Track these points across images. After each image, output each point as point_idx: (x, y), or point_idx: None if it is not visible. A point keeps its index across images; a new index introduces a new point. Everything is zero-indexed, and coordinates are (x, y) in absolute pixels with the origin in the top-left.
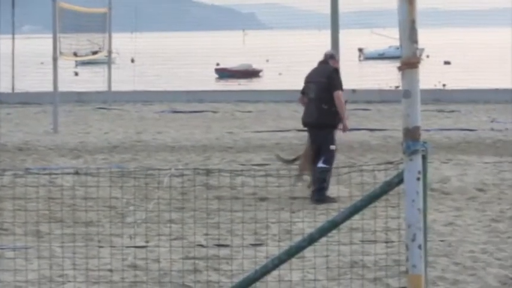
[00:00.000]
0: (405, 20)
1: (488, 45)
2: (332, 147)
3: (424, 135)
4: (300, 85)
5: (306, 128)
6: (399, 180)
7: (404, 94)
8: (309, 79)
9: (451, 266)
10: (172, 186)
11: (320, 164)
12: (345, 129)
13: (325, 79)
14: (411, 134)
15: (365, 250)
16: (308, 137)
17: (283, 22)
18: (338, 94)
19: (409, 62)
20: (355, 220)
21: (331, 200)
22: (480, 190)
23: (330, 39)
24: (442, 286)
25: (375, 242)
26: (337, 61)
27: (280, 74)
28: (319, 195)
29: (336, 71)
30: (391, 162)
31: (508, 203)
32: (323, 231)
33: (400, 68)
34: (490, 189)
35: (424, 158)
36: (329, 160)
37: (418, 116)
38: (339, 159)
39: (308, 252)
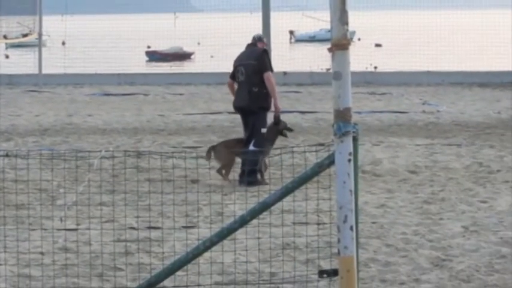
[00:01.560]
0: (336, 2)
1: (419, 28)
2: (263, 130)
3: (355, 118)
4: (231, 67)
5: (237, 112)
6: (330, 161)
7: (335, 76)
8: (238, 62)
9: (383, 247)
10: (103, 169)
11: (251, 147)
12: (277, 111)
13: (254, 61)
14: (342, 116)
15: (297, 232)
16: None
17: (214, 5)
18: (268, 75)
19: (340, 44)
20: (287, 202)
21: (263, 182)
22: (412, 172)
23: (261, 21)
24: (374, 268)
25: (306, 223)
26: (265, 44)
27: (212, 56)
28: (251, 177)
29: (265, 53)
30: (322, 144)
31: (439, 185)
32: (254, 213)
33: (330, 50)
34: (421, 171)
35: (355, 139)
36: (259, 143)
37: (349, 97)
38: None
39: (240, 234)
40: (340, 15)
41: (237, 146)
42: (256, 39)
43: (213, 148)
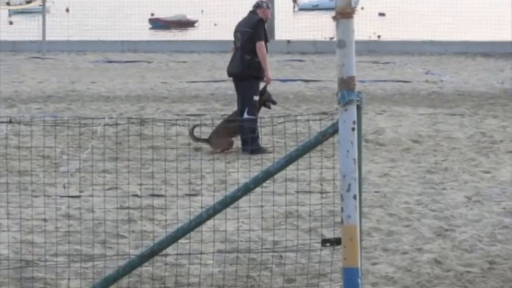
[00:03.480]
0: None
1: None
2: (255, 97)
3: (358, 87)
4: (230, 36)
5: (230, 78)
6: (334, 130)
7: (339, 44)
8: (237, 28)
9: (386, 217)
10: (106, 136)
11: (245, 115)
12: (267, 81)
13: (249, 28)
14: (346, 84)
15: (300, 201)
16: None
17: None
18: (260, 44)
19: (344, 12)
20: (290, 170)
21: (265, 150)
22: (415, 141)
23: None
24: (376, 237)
25: (309, 192)
26: (265, 10)
27: (215, 24)
28: (253, 145)
29: (261, 21)
30: (325, 113)
31: (442, 155)
32: (258, 181)
33: (334, 18)
34: (424, 140)
35: (358, 108)
36: (252, 110)
37: (353, 66)
38: (275, 109)
39: (243, 203)
40: None
41: (226, 129)
42: (255, 6)
43: (207, 141)
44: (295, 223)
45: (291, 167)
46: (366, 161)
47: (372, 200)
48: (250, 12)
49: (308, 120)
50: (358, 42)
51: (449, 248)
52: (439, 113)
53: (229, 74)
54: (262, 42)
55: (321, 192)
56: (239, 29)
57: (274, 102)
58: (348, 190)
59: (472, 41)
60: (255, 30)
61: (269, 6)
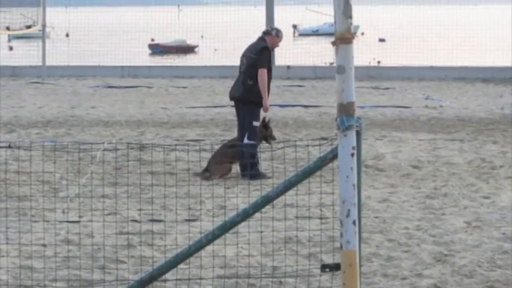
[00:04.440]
0: None
1: (423, 23)
2: (255, 123)
3: (358, 112)
4: (234, 61)
5: (232, 102)
6: (333, 155)
7: (339, 69)
8: (243, 53)
9: (386, 242)
10: (105, 161)
11: (245, 141)
12: (265, 110)
13: (254, 54)
14: (345, 110)
15: (299, 226)
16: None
17: None
18: (261, 71)
19: (343, 37)
20: (290, 196)
21: (264, 175)
22: (415, 167)
23: (265, 15)
24: (376, 262)
25: (309, 218)
26: (274, 38)
27: (215, 50)
28: (253, 170)
29: (265, 49)
30: (325, 138)
31: (442, 180)
32: (257, 207)
33: (334, 43)
34: (424, 166)
35: (358, 133)
36: (252, 135)
37: (353, 91)
38: (275, 134)
39: (242, 228)
40: (344, 8)
41: (225, 155)
42: (264, 33)
43: (206, 170)
44: (294, 248)
45: (291, 192)
46: (365, 186)
47: (372, 225)
48: (259, 38)
49: (307, 145)
50: (358, 68)
51: (448, 273)
52: (439, 138)
53: (231, 98)
54: (264, 70)
55: (321, 218)
56: (245, 54)
57: (274, 138)
58: (348, 216)
59: (471, 66)
60: (259, 56)
61: (278, 35)
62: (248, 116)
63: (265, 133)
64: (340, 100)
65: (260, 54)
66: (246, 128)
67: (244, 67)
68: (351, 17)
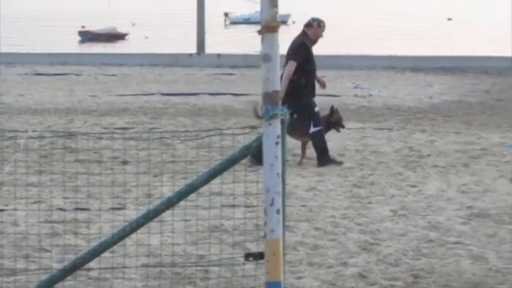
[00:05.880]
0: None
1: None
2: (316, 109)
3: None
4: (165, 49)
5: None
6: (258, 144)
7: (264, 58)
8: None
9: (312, 231)
10: (32, 149)
11: (312, 129)
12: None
13: (291, 51)
14: (271, 98)
15: (225, 215)
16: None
17: None
18: (290, 63)
19: (269, 26)
20: (216, 184)
21: (335, 161)
22: (343, 156)
23: (196, 3)
24: (302, 251)
25: (233, 206)
26: (316, 29)
27: (146, 37)
28: (324, 156)
29: (302, 45)
30: (254, 127)
31: (369, 169)
32: (181, 195)
33: (260, 32)
34: (352, 154)
35: (283, 122)
36: (317, 122)
37: (278, 80)
38: (203, 123)
39: (168, 216)
40: None
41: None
42: (306, 25)
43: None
44: (220, 237)
45: (217, 180)
46: (293, 175)
47: (298, 214)
48: (300, 33)
49: (233, 134)
50: None
51: (374, 262)
52: (368, 127)
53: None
54: (294, 62)
55: (246, 206)
56: (288, 51)
57: (342, 126)
58: (272, 204)
59: (400, 55)
60: (294, 51)
61: (320, 25)
62: (302, 108)
63: (331, 120)
64: (266, 89)
65: (296, 48)
66: (310, 117)
67: (284, 64)
68: (276, 6)
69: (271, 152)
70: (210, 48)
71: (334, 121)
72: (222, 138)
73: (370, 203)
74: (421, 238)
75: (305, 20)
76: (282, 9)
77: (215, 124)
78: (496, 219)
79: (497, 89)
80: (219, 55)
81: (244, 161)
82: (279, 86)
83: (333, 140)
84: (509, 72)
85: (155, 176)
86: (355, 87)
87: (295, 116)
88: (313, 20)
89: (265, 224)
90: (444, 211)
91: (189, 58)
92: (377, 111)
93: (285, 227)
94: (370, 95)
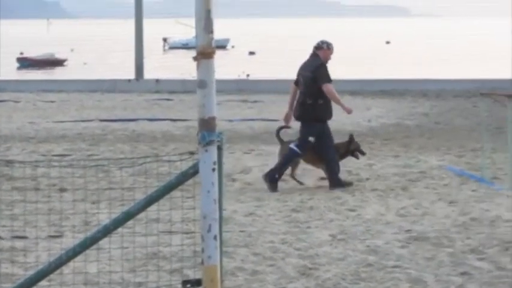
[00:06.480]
0: (201, 10)
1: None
2: (310, 138)
3: (227, 126)
4: (104, 75)
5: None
6: (195, 170)
7: (200, 84)
8: (299, 71)
9: (251, 256)
10: None
11: (291, 145)
12: (348, 111)
13: (310, 73)
14: (207, 125)
15: (163, 241)
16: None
17: (86, 9)
18: (326, 87)
19: (205, 52)
20: (153, 211)
21: (344, 184)
22: (281, 180)
23: (134, 28)
24: (241, 277)
25: (170, 232)
26: (326, 51)
27: (85, 63)
28: (334, 179)
29: (322, 65)
30: (192, 153)
31: (308, 193)
32: (118, 223)
33: (195, 58)
34: (291, 179)
35: (219, 148)
36: (302, 146)
37: (214, 106)
38: (141, 149)
39: (105, 244)
40: (205, 24)
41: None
42: (316, 48)
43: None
44: (158, 264)
45: (154, 207)
46: (232, 200)
47: (237, 239)
48: (312, 54)
49: (169, 160)
50: (227, 81)
51: (312, 286)
52: None
53: (296, 118)
54: (329, 85)
55: (185, 233)
56: (301, 73)
57: (363, 153)
58: (209, 231)
59: (339, 79)
60: (316, 74)
61: (330, 47)
62: (305, 130)
63: (349, 147)
64: (202, 115)
65: (319, 71)
66: (300, 139)
67: (302, 87)
68: (212, 32)
69: (207, 178)
70: (149, 74)
71: (353, 148)
72: (159, 165)
73: (309, 227)
74: (359, 262)
75: (250, 46)
76: (221, 34)
77: (154, 150)
78: (434, 243)
79: (436, 112)
80: (157, 80)
81: (182, 186)
82: (215, 112)
83: (273, 164)
84: (447, 94)
85: (93, 203)
86: None
87: (310, 139)
88: (323, 42)
89: (203, 250)
90: (383, 235)
91: (128, 84)
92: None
93: (222, 253)
94: None
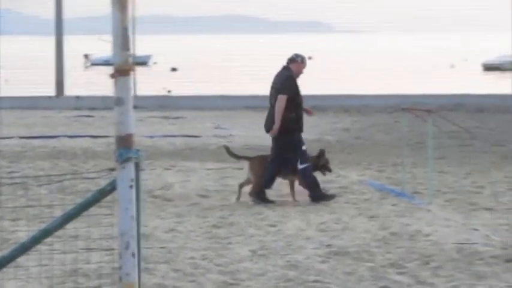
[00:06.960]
0: (117, 28)
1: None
2: (303, 147)
3: (147, 142)
4: (24, 91)
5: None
6: (112, 188)
7: (117, 101)
8: (272, 84)
9: (171, 272)
10: None
11: (299, 166)
12: (272, 132)
13: (279, 85)
14: (124, 142)
15: (83, 258)
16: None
17: (7, 28)
18: (280, 97)
19: (122, 70)
20: (73, 228)
21: (327, 197)
22: (202, 196)
23: (55, 45)
24: None
25: (89, 249)
26: (300, 64)
27: (6, 80)
28: (315, 192)
29: (289, 78)
30: (113, 169)
31: (229, 209)
32: (36, 240)
33: (112, 76)
34: (212, 195)
35: (137, 165)
36: (304, 159)
37: (131, 123)
38: (62, 166)
39: (24, 261)
40: (122, 41)
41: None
42: (290, 60)
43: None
44: (77, 281)
45: (73, 224)
46: (152, 216)
47: (157, 255)
48: (284, 67)
49: (85, 178)
50: (148, 97)
51: None
52: (227, 167)
53: (267, 131)
54: (284, 96)
55: (104, 250)
56: (273, 85)
57: (329, 170)
58: (127, 248)
59: (261, 95)
60: (282, 85)
61: (303, 61)
62: (291, 144)
63: (319, 162)
64: (119, 132)
65: (284, 83)
66: (297, 154)
67: (273, 100)
68: (128, 49)
69: (125, 195)
70: (70, 91)
71: (321, 164)
72: (80, 182)
73: (229, 243)
74: (280, 277)
75: (172, 62)
76: (143, 51)
77: (74, 167)
78: (354, 257)
79: (357, 127)
80: (77, 97)
81: (101, 203)
82: (133, 129)
83: (193, 180)
84: (368, 110)
85: (12, 220)
86: (216, 128)
87: (280, 151)
88: (297, 56)
89: (121, 267)
90: (303, 250)
91: (48, 100)
92: (237, 151)
93: (141, 270)
94: (231, 135)
